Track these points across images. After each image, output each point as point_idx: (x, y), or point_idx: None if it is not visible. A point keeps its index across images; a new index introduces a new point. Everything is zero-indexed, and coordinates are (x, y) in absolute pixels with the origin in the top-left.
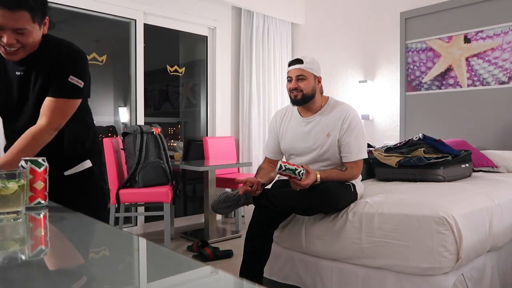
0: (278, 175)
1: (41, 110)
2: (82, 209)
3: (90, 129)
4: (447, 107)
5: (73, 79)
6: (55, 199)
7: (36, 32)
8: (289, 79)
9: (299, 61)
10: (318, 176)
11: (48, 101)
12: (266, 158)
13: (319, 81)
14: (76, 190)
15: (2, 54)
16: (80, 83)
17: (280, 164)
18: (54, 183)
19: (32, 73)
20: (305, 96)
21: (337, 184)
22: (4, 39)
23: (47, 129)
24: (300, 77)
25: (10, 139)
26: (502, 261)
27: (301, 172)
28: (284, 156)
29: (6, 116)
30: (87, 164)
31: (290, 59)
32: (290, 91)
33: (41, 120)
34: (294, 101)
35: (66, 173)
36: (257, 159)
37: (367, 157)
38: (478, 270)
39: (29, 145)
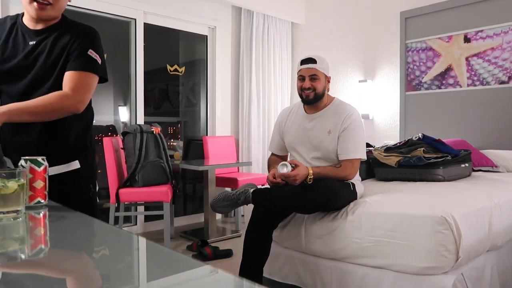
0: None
1: (64, 83)
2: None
3: (89, 128)
4: (447, 107)
5: (92, 53)
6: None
7: None
8: (301, 78)
9: (312, 60)
10: (310, 171)
11: (69, 74)
12: (271, 156)
13: (329, 81)
14: (60, 191)
15: (33, 11)
16: (99, 59)
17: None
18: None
19: (46, 45)
20: (317, 95)
21: (336, 182)
22: None
23: (76, 99)
24: (314, 77)
25: None
26: (502, 260)
27: (292, 166)
28: (288, 153)
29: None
30: (75, 165)
31: (290, 58)
32: (302, 90)
33: (65, 89)
34: (306, 101)
35: (50, 173)
36: (257, 159)
37: (365, 158)
38: (478, 270)
39: (47, 99)
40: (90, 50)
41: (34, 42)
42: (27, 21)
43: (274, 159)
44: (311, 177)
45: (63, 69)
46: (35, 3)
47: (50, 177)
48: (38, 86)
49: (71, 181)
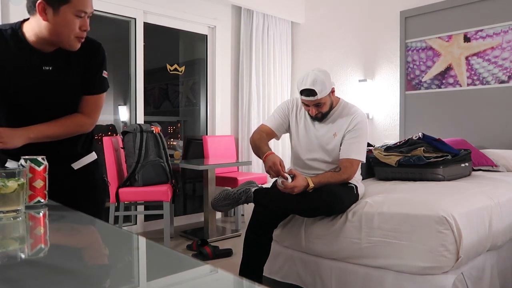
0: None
1: (82, 107)
2: (90, 203)
3: None
4: (447, 106)
5: (105, 74)
6: (65, 194)
7: None
8: (305, 104)
9: (312, 92)
10: (310, 183)
11: (86, 99)
12: (264, 126)
13: (333, 91)
14: (86, 183)
15: (70, 43)
16: (107, 75)
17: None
18: (64, 178)
19: (63, 69)
20: (325, 114)
21: (340, 186)
22: (84, 27)
23: (91, 123)
24: (318, 104)
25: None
26: (502, 260)
27: (291, 176)
28: (291, 146)
29: (18, 116)
30: (94, 156)
31: (290, 58)
32: (309, 113)
33: (85, 115)
34: (315, 119)
35: (77, 166)
36: (257, 158)
37: (364, 161)
38: (478, 269)
39: (66, 125)
40: (104, 71)
41: (50, 68)
42: (37, 42)
43: (265, 132)
44: (312, 186)
45: (79, 90)
46: (73, 37)
47: (75, 171)
48: (56, 111)
49: (92, 171)
